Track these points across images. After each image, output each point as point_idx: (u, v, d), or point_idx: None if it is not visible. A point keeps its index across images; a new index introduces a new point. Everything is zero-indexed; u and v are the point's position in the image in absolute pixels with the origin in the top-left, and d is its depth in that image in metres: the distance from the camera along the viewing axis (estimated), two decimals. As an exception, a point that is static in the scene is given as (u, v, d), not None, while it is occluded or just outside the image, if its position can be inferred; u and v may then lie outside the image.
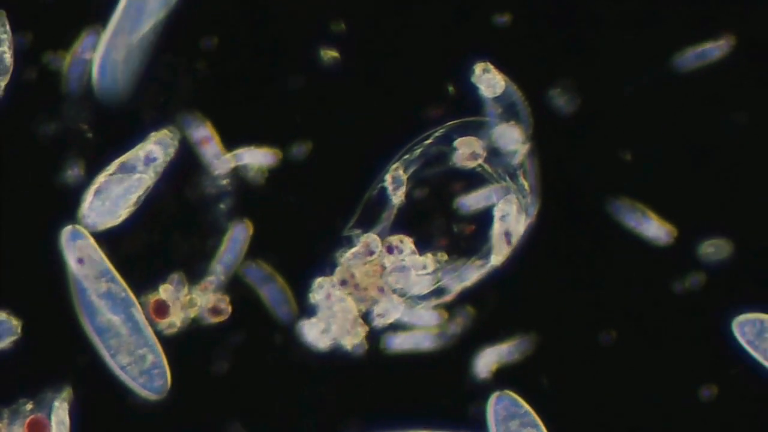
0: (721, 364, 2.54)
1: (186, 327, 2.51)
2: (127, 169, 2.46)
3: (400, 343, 2.50)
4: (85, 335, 2.49)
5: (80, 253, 2.47)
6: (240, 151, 2.47)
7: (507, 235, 2.41)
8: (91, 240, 2.48)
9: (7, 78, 2.45)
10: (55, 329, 2.51)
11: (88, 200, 2.47)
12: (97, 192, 2.47)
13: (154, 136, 2.47)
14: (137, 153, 2.47)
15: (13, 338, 2.47)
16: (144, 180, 2.46)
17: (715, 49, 2.47)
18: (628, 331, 2.53)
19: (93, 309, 2.49)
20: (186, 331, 2.52)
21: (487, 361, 2.51)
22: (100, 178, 2.48)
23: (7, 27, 2.40)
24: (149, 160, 2.46)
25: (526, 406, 2.48)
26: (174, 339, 2.52)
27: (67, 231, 2.48)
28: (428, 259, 2.45)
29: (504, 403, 2.48)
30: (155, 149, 2.46)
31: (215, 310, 2.51)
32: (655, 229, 2.49)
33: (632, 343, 2.53)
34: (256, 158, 2.44)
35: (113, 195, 2.46)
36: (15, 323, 2.48)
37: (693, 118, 2.54)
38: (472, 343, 2.54)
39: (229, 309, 2.51)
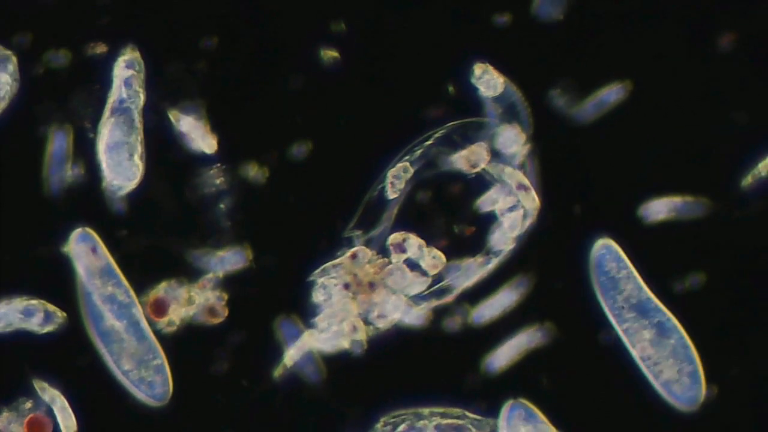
0: (721, 365, 2.54)
1: (184, 326, 2.51)
2: (118, 110, 2.46)
3: (486, 312, 2.49)
4: (89, 338, 2.49)
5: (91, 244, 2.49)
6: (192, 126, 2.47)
7: (521, 186, 2.41)
8: (100, 242, 2.49)
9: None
10: (58, 331, 2.51)
11: (106, 169, 2.47)
12: (108, 151, 2.46)
13: (120, 64, 2.47)
14: (116, 94, 2.46)
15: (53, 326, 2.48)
16: (136, 104, 2.46)
17: (612, 94, 2.47)
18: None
19: (97, 313, 2.49)
20: (185, 331, 2.52)
21: (499, 357, 2.51)
22: (103, 138, 2.47)
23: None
24: (128, 83, 2.45)
25: (542, 416, 2.48)
26: (174, 340, 2.52)
27: (76, 233, 2.49)
28: (433, 252, 2.45)
29: (518, 412, 2.48)
30: (125, 72, 2.45)
31: (212, 312, 2.51)
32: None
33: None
34: (200, 137, 2.43)
35: (120, 145, 2.46)
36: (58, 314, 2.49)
37: (693, 118, 2.54)
38: (471, 344, 2.54)
39: (226, 311, 2.51)
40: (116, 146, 2.46)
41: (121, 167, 2.46)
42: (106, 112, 2.47)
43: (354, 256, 2.45)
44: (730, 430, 2.54)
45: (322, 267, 2.46)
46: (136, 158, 2.46)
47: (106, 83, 2.50)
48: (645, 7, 2.53)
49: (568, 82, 2.52)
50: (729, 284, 2.54)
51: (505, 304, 2.50)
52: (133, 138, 2.46)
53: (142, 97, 2.48)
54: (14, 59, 2.46)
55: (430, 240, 2.47)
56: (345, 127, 2.53)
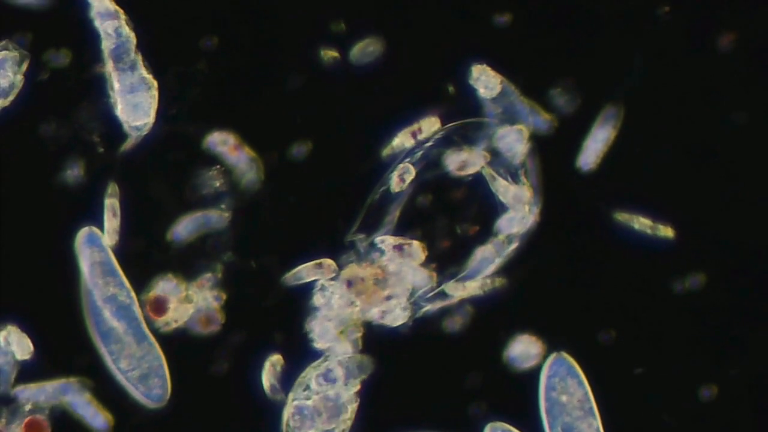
0: (721, 364, 2.54)
1: (183, 325, 2.52)
2: (118, 58, 2.45)
3: (590, 155, 2.47)
4: (89, 338, 2.50)
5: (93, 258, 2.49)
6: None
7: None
8: (106, 241, 2.49)
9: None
10: (60, 331, 2.51)
11: (123, 112, 2.46)
12: (123, 94, 2.46)
13: (98, 17, 2.46)
14: (109, 44, 2.46)
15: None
16: (131, 44, 2.45)
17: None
18: (628, 331, 2.53)
19: (98, 313, 2.49)
20: (184, 332, 2.52)
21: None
22: (114, 82, 2.47)
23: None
24: (118, 32, 2.45)
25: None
26: (173, 340, 2.52)
27: (83, 233, 2.49)
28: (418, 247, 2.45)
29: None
30: (109, 24, 2.45)
31: (207, 320, 2.51)
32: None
33: (632, 343, 2.53)
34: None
35: (132, 86, 2.45)
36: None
37: (694, 117, 2.54)
38: (469, 347, 2.54)
39: (222, 319, 2.51)
40: (129, 89, 2.46)
41: (140, 106, 2.46)
42: (108, 63, 2.47)
43: (320, 265, 2.46)
44: (730, 430, 2.54)
45: (294, 271, 2.47)
46: (153, 92, 2.46)
47: (94, 35, 2.50)
48: (645, 7, 2.54)
49: (568, 82, 2.52)
50: (729, 284, 2.54)
51: (605, 138, 2.47)
52: (142, 76, 2.46)
53: (132, 35, 2.47)
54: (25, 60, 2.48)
55: (432, 241, 2.47)
56: (345, 127, 2.53)
